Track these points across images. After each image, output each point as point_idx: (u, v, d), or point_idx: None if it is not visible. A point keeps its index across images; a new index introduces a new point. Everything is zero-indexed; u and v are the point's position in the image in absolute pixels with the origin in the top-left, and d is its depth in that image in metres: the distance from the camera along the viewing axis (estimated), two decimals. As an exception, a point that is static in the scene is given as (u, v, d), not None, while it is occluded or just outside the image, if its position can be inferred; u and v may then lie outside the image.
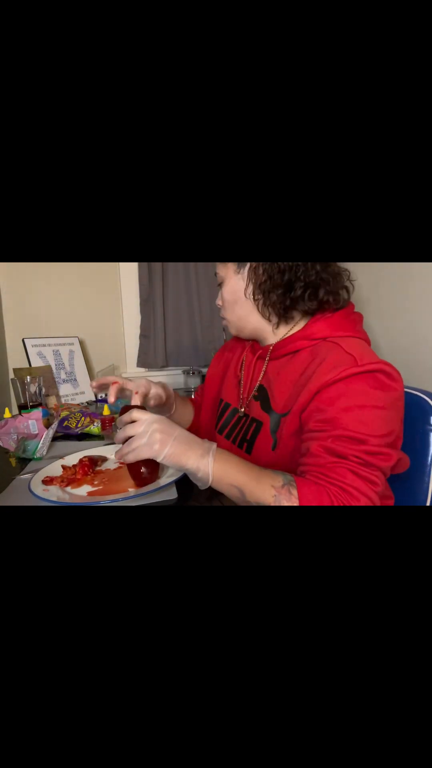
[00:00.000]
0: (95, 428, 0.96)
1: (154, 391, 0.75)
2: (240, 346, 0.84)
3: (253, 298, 0.69)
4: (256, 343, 0.77)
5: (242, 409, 0.76)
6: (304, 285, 0.66)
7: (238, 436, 0.74)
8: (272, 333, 0.72)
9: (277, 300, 0.67)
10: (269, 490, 0.53)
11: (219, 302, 0.77)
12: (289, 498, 0.52)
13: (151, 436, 0.53)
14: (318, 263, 0.67)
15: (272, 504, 0.53)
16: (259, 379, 0.74)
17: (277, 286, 0.66)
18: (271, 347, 0.72)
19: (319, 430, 0.57)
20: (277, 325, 0.71)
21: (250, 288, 0.69)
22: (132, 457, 0.55)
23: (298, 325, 0.70)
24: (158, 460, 0.54)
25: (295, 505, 0.52)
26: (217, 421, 0.82)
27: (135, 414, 0.56)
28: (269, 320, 0.70)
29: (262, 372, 0.73)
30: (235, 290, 0.71)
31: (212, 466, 0.54)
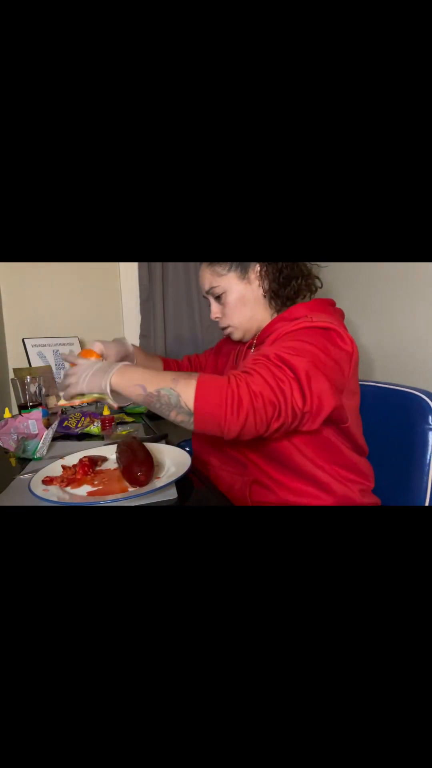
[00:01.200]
0: (95, 428, 0.96)
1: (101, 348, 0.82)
2: (234, 346, 0.90)
3: (267, 296, 0.75)
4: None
5: None
6: (299, 277, 0.75)
7: None
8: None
9: (283, 293, 0.74)
10: (168, 376, 0.59)
11: (217, 315, 0.80)
12: (188, 378, 0.57)
13: (75, 376, 0.66)
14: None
15: (170, 385, 0.57)
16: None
17: (284, 282, 0.74)
18: (257, 335, 0.79)
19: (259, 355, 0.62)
20: (277, 314, 0.77)
21: (261, 289, 0.75)
22: (66, 393, 0.67)
23: (272, 315, 0.78)
24: (81, 391, 0.65)
25: (192, 380, 0.57)
26: None
27: (74, 358, 0.70)
28: (275, 312, 0.77)
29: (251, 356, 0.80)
30: (243, 294, 0.76)
31: (113, 377, 0.62)
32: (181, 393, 0.56)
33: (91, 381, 0.64)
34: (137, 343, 1.60)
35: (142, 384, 0.59)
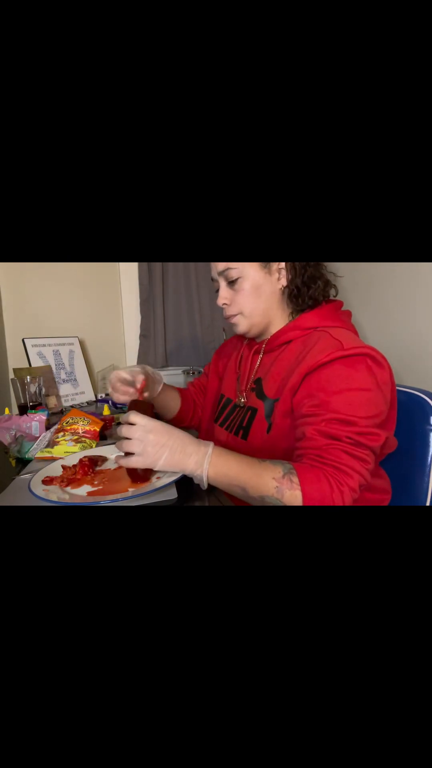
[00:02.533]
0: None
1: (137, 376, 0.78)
2: (238, 344, 0.87)
3: (285, 293, 0.73)
4: (253, 340, 0.80)
5: (241, 401, 0.79)
6: (320, 280, 0.72)
7: (233, 424, 0.77)
8: (278, 326, 0.75)
9: (305, 293, 0.72)
10: (270, 482, 0.55)
11: (225, 301, 0.75)
12: (291, 486, 0.54)
13: (145, 449, 0.55)
14: (316, 266, 0.73)
15: (275, 495, 0.55)
16: (255, 371, 0.77)
17: (308, 281, 0.72)
18: (265, 341, 0.76)
19: (312, 414, 0.60)
20: (290, 317, 0.75)
21: (280, 283, 0.72)
22: (124, 464, 0.57)
23: (290, 318, 0.75)
24: (154, 468, 0.57)
25: (297, 491, 0.54)
26: (218, 415, 0.85)
27: (132, 417, 0.57)
28: (289, 313, 0.75)
29: (257, 364, 0.77)
30: (260, 284, 0.72)
31: (207, 472, 0.56)
32: (286, 503, 0.55)
33: (170, 460, 0.56)
34: (137, 343, 1.60)
35: (243, 486, 0.56)
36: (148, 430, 0.55)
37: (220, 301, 0.76)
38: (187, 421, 0.98)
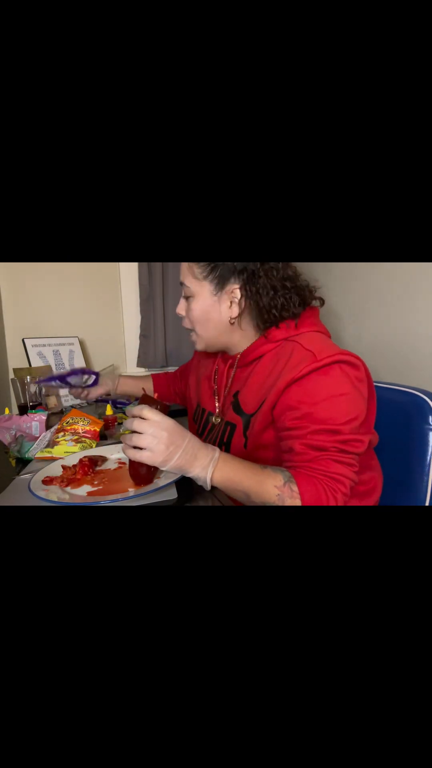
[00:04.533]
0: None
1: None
2: (212, 355, 0.86)
3: (239, 324, 0.71)
4: (226, 353, 0.79)
5: (218, 419, 0.79)
6: (293, 301, 0.69)
7: (215, 439, 0.77)
8: (245, 345, 0.74)
9: (275, 317, 0.69)
10: (272, 490, 0.58)
11: (181, 313, 0.74)
12: (291, 494, 0.57)
13: (157, 446, 0.54)
14: (294, 271, 0.71)
15: (276, 502, 0.57)
16: (229, 386, 0.77)
17: (270, 307, 0.68)
18: (238, 356, 0.75)
19: (296, 427, 0.61)
20: (261, 332, 0.73)
21: (232, 313, 0.70)
22: (132, 455, 0.56)
23: (261, 332, 0.73)
24: (163, 467, 0.57)
25: (297, 499, 0.57)
26: (202, 428, 0.85)
27: (146, 412, 0.56)
28: (255, 332, 0.73)
29: (231, 379, 0.77)
30: (208, 311, 0.70)
31: (211, 476, 0.58)
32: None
33: (180, 461, 0.56)
34: (137, 343, 1.60)
35: (246, 492, 0.58)
36: (163, 428, 0.55)
37: (177, 310, 0.75)
38: (160, 392, 1.06)
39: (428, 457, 0.73)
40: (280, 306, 0.68)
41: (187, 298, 0.72)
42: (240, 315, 0.70)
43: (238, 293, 0.69)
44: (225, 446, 0.74)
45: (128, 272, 1.56)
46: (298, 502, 0.57)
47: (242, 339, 0.73)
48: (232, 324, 0.71)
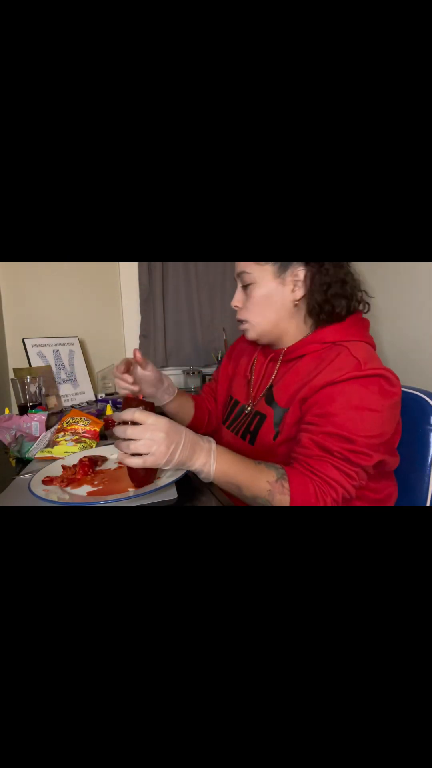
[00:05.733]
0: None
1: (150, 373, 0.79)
2: (250, 347, 0.85)
3: (299, 307, 0.70)
4: (268, 347, 0.79)
5: (249, 408, 0.78)
6: (347, 298, 0.69)
7: (240, 427, 0.77)
8: (294, 337, 0.73)
9: (328, 311, 0.69)
10: (264, 485, 0.58)
11: (237, 304, 0.74)
12: (282, 490, 0.58)
13: (158, 449, 0.53)
14: (347, 273, 0.70)
15: (266, 497, 0.58)
16: (270, 380, 0.76)
17: (331, 298, 0.68)
18: (283, 350, 0.74)
19: (313, 423, 0.61)
20: (310, 329, 0.72)
21: (296, 295, 0.69)
22: (134, 464, 0.55)
23: (310, 330, 0.72)
24: (164, 467, 0.57)
25: (286, 496, 0.58)
26: (227, 417, 0.84)
27: (138, 415, 0.54)
28: (309, 326, 0.72)
29: (274, 374, 0.76)
30: (271, 294, 0.70)
31: (214, 469, 0.58)
32: (275, 504, 0.58)
33: (181, 458, 0.56)
34: (137, 343, 1.60)
35: (239, 485, 0.59)
36: (159, 429, 0.54)
37: (233, 303, 0.75)
38: (202, 429, 0.95)
39: (429, 458, 0.73)
40: (330, 305, 0.68)
41: (246, 286, 0.71)
42: (300, 301, 0.70)
43: (301, 275, 0.68)
44: (251, 435, 0.73)
45: (128, 272, 1.56)
46: (287, 499, 0.57)
47: (295, 330, 0.73)
48: (295, 306, 0.70)
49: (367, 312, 0.74)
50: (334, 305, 0.68)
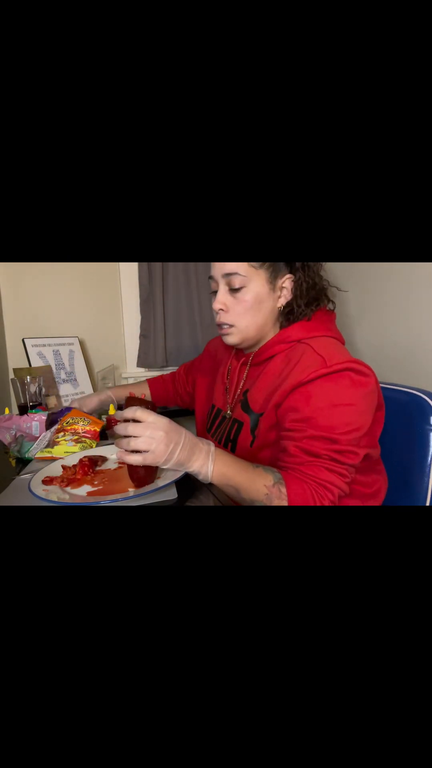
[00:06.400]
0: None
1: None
2: (227, 352, 0.86)
3: (293, 309, 0.71)
4: (240, 351, 0.80)
5: (228, 413, 0.79)
6: (322, 301, 0.71)
7: (222, 435, 0.78)
8: (267, 340, 0.74)
9: (303, 312, 0.70)
10: (262, 489, 0.59)
11: (222, 307, 0.71)
12: (279, 495, 0.58)
13: (157, 446, 0.54)
14: (321, 278, 0.72)
15: (264, 501, 0.58)
16: (242, 384, 0.77)
17: (311, 300, 0.70)
18: (252, 353, 0.75)
19: (294, 429, 0.62)
20: (278, 329, 0.73)
21: (281, 301, 0.71)
22: (134, 461, 0.56)
23: (274, 330, 0.74)
24: (164, 466, 0.57)
25: (284, 500, 0.58)
26: (210, 424, 0.85)
27: (139, 413, 0.55)
28: (274, 331, 0.73)
29: (244, 377, 0.77)
30: (263, 299, 0.69)
31: (213, 470, 0.59)
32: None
33: (181, 458, 0.56)
34: (137, 343, 1.60)
35: (237, 488, 0.59)
36: (159, 428, 0.55)
37: (217, 306, 0.71)
38: (163, 400, 1.05)
39: (429, 458, 0.72)
40: (304, 304, 0.69)
41: (234, 290, 0.69)
42: (297, 308, 0.71)
43: (289, 283, 0.70)
44: (231, 443, 0.74)
45: (128, 272, 1.56)
46: (284, 504, 0.58)
47: (271, 334, 0.73)
48: (280, 312, 0.71)
49: (333, 308, 0.75)
50: (310, 307, 0.70)
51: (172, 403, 1.10)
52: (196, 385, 0.96)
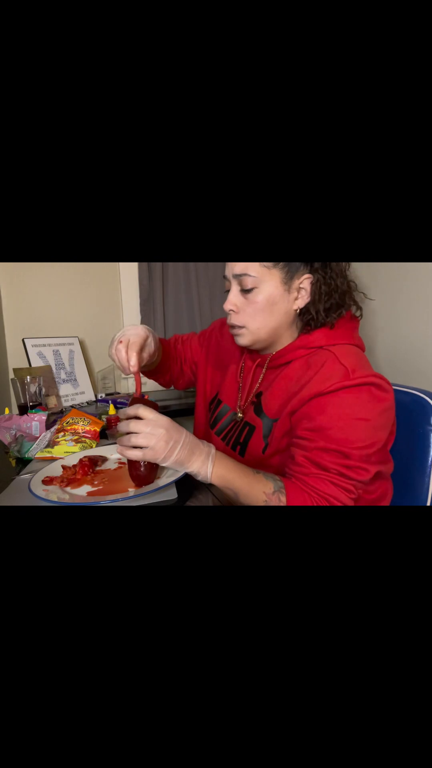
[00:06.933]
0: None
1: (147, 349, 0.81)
2: (237, 351, 0.82)
3: (312, 313, 0.66)
4: (255, 352, 0.75)
5: (239, 414, 0.76)
6: (346, 308, 0.67)
7: (232, 438, 0.75)
8: (284, 344, 0.71)
9: (322, 319, 0.66)
10: (261, 496, 0.58)
11: (232, 308, 0.67)
12: (278, 503, 0.57)
13: (157, 443, 0.55)
14: (349, 282, 0.68)
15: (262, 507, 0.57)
16: (257, 387, 0.74)
17: (333, 306, 0.66)
18: (269, 356, 0.71)
19: (306, 438, 0.60)
20: (298, 333, 0.70)
21: (298, 303, 0.66)
22: (133, 456, 0.56)
23: (297, 334, 0.70)
24: (164, 464, 0.57)
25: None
26: (214, 421, 0.82)
27: (142, 411, 0.57)
28: (291, 335, 0.70)
29: (260, 380, 0.74)
30: (276, 300, 0.65)
31: (212, 472, 0.58)
32: None
33: (180, 457, 0.57)
34: (137, 343, 1.60)
35: (236, 492, 0.59)
36: (160, 425, 0.56)
37: (228, 306, 0.68)
38: (176, 373, 0.96)
39: (429, 458, 0.72)
40: (326, 309, 0.65)
41: (246, 290, 0.66)
42: (315, 313, 0.66)
43: (307, 283, 0.65)
44: (241, 447, 0.72)
45: (128, 272, 1.56)
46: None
47: (288, 338, 0.70)
48: (296, 314, 0.67)
49: (360, 316, 0.71)
50: (330, 315, 0.66)
51: (165, 370, 0.97)
52: (198, 368, 0.92)
